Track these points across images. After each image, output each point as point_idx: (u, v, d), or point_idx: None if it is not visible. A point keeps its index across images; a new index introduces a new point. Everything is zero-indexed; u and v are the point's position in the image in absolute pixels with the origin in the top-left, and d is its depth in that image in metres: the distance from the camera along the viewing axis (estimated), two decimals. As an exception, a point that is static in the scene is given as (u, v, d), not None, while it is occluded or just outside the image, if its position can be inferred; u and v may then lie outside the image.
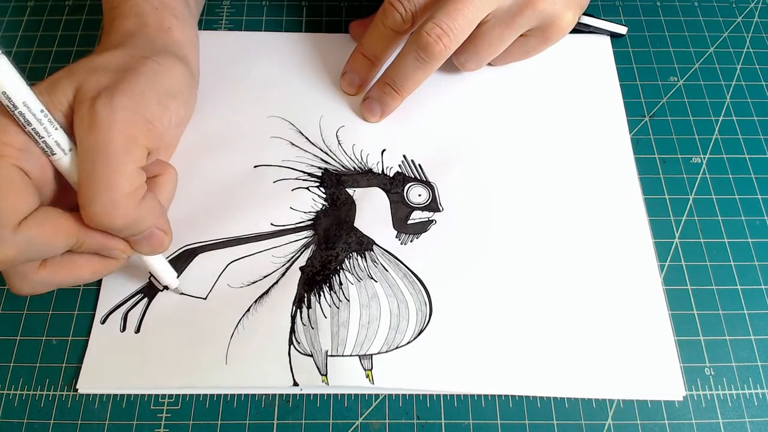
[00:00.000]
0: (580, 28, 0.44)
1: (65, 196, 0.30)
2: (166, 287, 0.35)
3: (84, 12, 0.46)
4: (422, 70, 0.36)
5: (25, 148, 0.27)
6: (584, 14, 0.43)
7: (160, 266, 0.33)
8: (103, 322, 0.34)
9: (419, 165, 0.39)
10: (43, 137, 0.27)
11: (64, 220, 0.28)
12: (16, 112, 0.26)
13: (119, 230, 0.29)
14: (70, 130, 0.28)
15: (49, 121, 0.27)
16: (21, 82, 0.26)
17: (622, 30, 0.44)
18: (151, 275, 0.35)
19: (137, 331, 0.34)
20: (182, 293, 0.35)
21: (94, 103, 0.28)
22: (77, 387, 0.32)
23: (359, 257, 0.36)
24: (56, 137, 0.27)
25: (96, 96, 0.28)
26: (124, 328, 0.34)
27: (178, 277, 0.35)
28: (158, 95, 0.30)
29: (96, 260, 0.30)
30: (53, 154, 0.28)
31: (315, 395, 0.33)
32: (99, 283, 0.35)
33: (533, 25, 0.37)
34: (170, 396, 0.33)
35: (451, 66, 0.40)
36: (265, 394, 0.33)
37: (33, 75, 0.43)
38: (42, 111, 0.27)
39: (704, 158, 0.40)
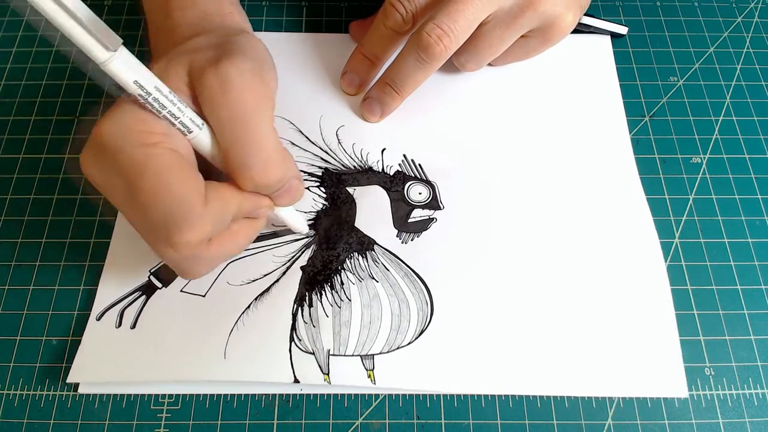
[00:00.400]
0: (580, 29, 0.44)
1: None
2: (164, 285, 0.35)
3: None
4: (422, 71, 0.36)
5: (167, 132, 0.27)
6: (584, 14, 0.43)
7: (293, 216, 0.34)
8: (99, 318, 0.34)
9: (419, 164, 0.39)
10: (178, 117, 0.27)
11: (227, 189, 0.28)
12: (149, 98, 0.25)
13: (273, 186, 0.29)
14: (196, 107, 0.28)
15: (179, 101, 0.27)
16: (146, 69, 0.25)
17: (623, 30, 0.44)
18: (150, 274, 0.35)
19: (133, 327, 0.34)
20: (182, 290, 0.35)
21: (219, 70, 0.27)
22: (69, 380, 0.32)
23: (360, 257, 0.36)
24: (189, 115, 0.27)
25: (217, 64, 0.28)
26: (119, 324, 0.34)
27: (174, 279, 0.35)
28: (260, 62, 0.30)
29: (247, 224, 0.31)
30: (190, 132, 0.27)
31: (315, 395, 0.33)
32: (97, 281, 0.35)
33: (534, 26, 0.37)
34: (170, 396, 0.33)
35: (451, 66, 0.40)
36: (265, 394, 0.33)
37: (33, 75, 0.43)
38: (170, 92, 0.26)
39: (704, 158, 0.40)
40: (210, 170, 0.29)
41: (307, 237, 0.37)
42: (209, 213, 0.27)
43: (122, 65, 0.24)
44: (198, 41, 0.31)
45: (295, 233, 0.36)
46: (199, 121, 0.28)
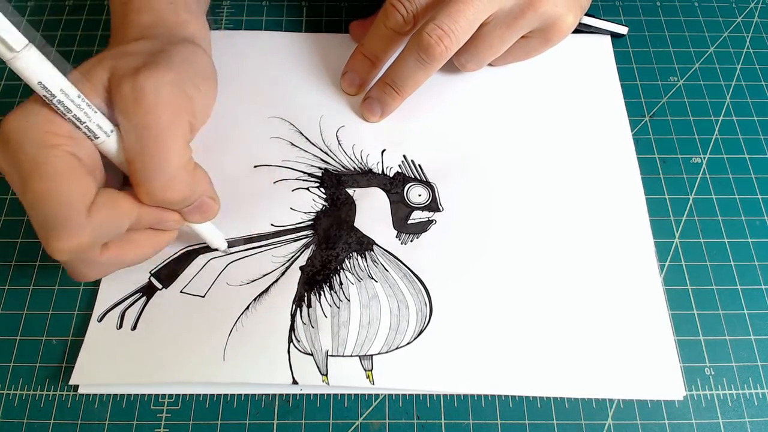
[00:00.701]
0: (580, 29, 0.44)
1: (110, 179, 0.30)
2: (164, 286, 0.35)
3: (84, 12, 0.46)
4: (423, 71, 0.36)
5: (72, 135, 0.27)
6: (585, 14, 0.43)
7: (209, 232, 0.34)
8: (100, 319, 0.34)
9: (419, 165, 0.39)
10: (84, 122, 0.27)
11: (123, 199, 0.28)
12: (54, 100, 0.26)
13: (176, 203, 0.29)
14: (108, 113, 0.28)
15: (87, 105, 0.27)
16: (55, 70, 0.26)
17: (623, 30, 0.44)
18: (151, 275, 0.35)
19: (134, 328, 0.34)
20: (182, 291, 0.35)
21: (136, 80, 0.27)
22: (71, 382, 0.32)
23: (359, 257, 0.36)
24: (97, 120, 0.27)
25: (136, 73, 0.28)
26: (120, 326, 0.34)
27: (178, 276, 0.35)
28: (191, 76, 0.30)
29: (152, 234, 0.31)
30: (96, 138, 0.27)
31: (315, 395, 0.33)
32: (98, 282, 0.35)
33: (534, 27, 0.37)
34: (170, 396, 0.33)
35: (451, 66, 0.40)
36: (265, 394, 0.33)
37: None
38: (79, 96, 0.26)
39: (704, 158, 0.40)
40: None
41: (306, 237, 0.37)
42: (90, 222, 0.26)
43: (27, 65, 0.24)
44: (134, 46, 0.31)
45: (295, 233, 0.36)
46: (108, 127, 0.28)
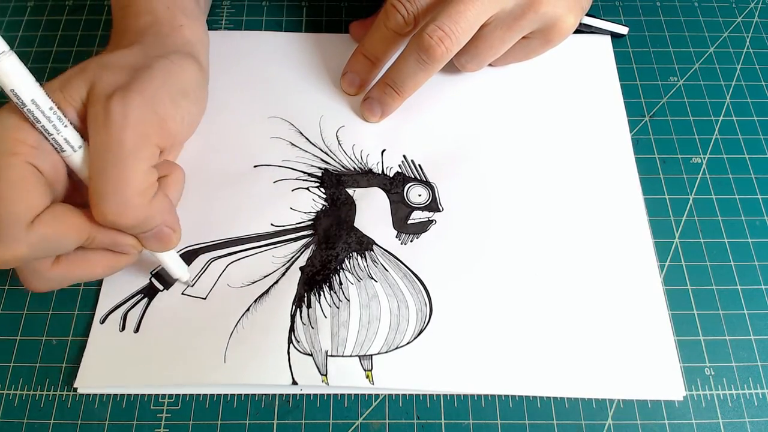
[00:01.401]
0: (580, 29, 0.44)
1: (78, 194, 0.30)
2: (165, 287, 0.35)
3: (84, 12, 0.46)
4: (423, 72, 0.36)
5: (38, 145, 0.27)
6: (585, 15, 0.43)
7: (171, 261, 0.33)
8: (103, 321, 0.34)
9: (419, 165, 0.39)
10: (52, 134, 0.27)
11: (76, 217, 0.28)
12: (24, 109, 0.26)
13: (129, 228, 0.29)
14: (83, 127, 0.28)
15: (58, 119, 0.27)
16: (30, 79, 0.26)
17: (623, 30, 0.44)
18: (152, 276, 0.35)
19: (136, 330, 0.34)
20: (183, 293, 0.35)
21: (108, 102, 0.28)
22: (75, 386, 0.32)
23: (359, 257, 0.36)
24: (66, 134, 0.27)
25: (110, 94, 0.28)
26: (123, 328, 0.34)
27: (176, 280, 0.35)
28: (171, 93, 0.30)
29: (108, 256, 0.31)
30: (63, 151, 0.28)
31: (315, 395, 0.33)
32: (99, 283, 0.35)
33: (535, 28, 0.37)
34: (170, 396, 0.33)
35: (451, 66, 0.40)
36: (265, 394, 0.33)
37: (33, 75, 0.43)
38: (51, 108, 0.27)
39: (704, 158, 0.40)
40: None
41: (306, 237, 0.37)
42: (29, 236, 0.26)
43: (0, 72, 0.25)
44: (118, 56, 0.31)
45: (295, 233, 0.36)
46: (77, 143, 0.28)
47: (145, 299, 0.35)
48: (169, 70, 0.31)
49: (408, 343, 0.33)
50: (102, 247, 0.30)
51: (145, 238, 0.30)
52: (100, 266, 0.31)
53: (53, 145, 0.27)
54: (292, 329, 0.33)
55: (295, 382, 0.32)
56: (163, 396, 0.33)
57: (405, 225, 0.37)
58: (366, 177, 0.39)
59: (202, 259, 0.36)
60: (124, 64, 0.31)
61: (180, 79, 0.32)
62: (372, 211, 0.37)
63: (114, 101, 0.28)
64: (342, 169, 0.39)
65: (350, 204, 0.38)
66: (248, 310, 0.34)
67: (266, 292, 0.35)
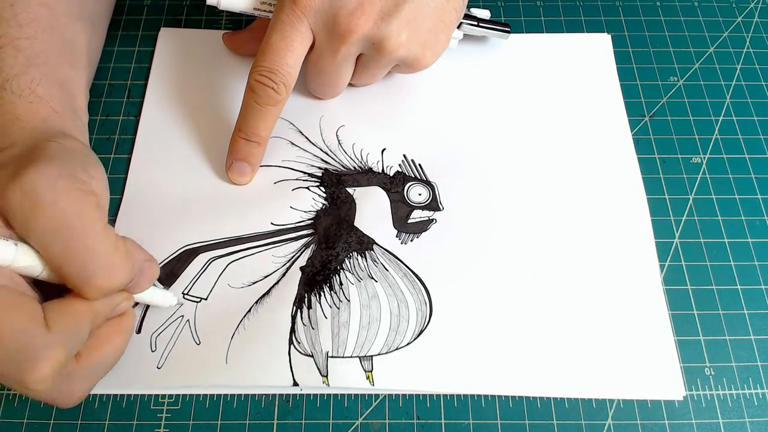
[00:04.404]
0: (472, 23, 0.41)
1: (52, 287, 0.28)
2: (165, 287, 0.35)
3: None
4: (271, 113, 0.35)
5: None
6: (475, 17, 0.41)
7: (155, 295, 0.32)
8: None
9: (419, 164, 0.39)
10: None
11: (73, 304, 0.26)
12: None
13: (123, 285, 0.28)
14: (9, 232, 0.26)
15: None
16: None
17: (505, 34, 0.42)
18: None
19: (138, 331, 0.34)
20: (183, 293, 0.35)
21: (21, 185, 0.25)
22: None
23: (359, 257, 0.36)
24: None
25: (18, 177, 0.25)
26: (124, 328, 0.34)
27: (179, 276, 0.35)
28: (77, 159, 0.28)
29: (115, 323, 0.29)
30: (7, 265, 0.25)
31: (315, 395, 0.33)
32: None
33: (396, 63, 0.37)
34: (170, 396, 0.33)
35: (451, 66, 0.40)
36: (265, 394, 0.33)
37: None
38: None
39: (704, 158, 0.40)
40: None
41: (306, 236, 0.37)
42: (56, 338, 0.25)
43: None
44: (3, 155, 0.29)
45: (295, 233, 0.36)
46: (8, 255, 0.25)
47: (145, 299, 0.35)
48: (59, 148, 0.29)
49: (408, 343, 0.33)
50: (105, 318, 0.29)
51: (134, 285, 0.29)
52: (118, 335, 0.29)
53: None
54: (293, 330, 0.33)
55: (295, 383, 0.32)
56: (163, 396, 0.33)
57: (405, 224, 0.37)
58: (366, 176, 0.39)
59: (202, 258, 0.36)
60: (9, 158, 0.28)
61: (74, 149, 0.30)
62: (372, 211, 0.37)
63: (29, 180, 0.25)
64: (342, 168, 0.39)
65: (350, 203, 0.38)
66: (249, 311, 0.34)
67: (267, 293, 0.35)
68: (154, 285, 0.32)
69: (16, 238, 0.26)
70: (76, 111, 0.35)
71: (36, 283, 0.27)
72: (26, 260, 0.25)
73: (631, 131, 0.41)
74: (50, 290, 0.27)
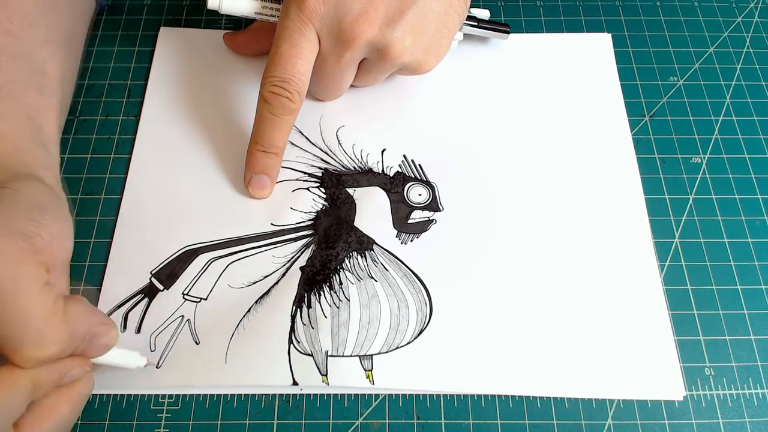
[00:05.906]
0: (472, 33, 0.42)
1: None
2: (165, 287, 0.35)
3: None
4: (286, 122, 0.35)
5: None
6: (469, 24, 0.41)
7: (119, 357, 0.30)
8: None
9: (419, 165, 0.39)
10: None
11: (9, 373, 0.25)
12: None
13: (61, 353, 0.26)
14: None
15: None
16: None
17: (506, 30, 0.43)
18: (152, 276, 0.35)
19: (138, 331, 0.34)
20: (183, 294, 0.35)
21: None
22: None
23: (359, 257, 0.36)
24: None
25: None
26: (124, 329, 0.34)
27: (179, 276, 0.35)
28: (25, 212, 0.26)
29: (66, 391, 0.27)
30: None
31: (315, 395, 0.33)
32: (100, 283, 0.35)
33: (399, 68, 0.37)
34: (170, 396, 0.33)
35: (451, 66, 0.40)
36: (265, 394, 0.33)
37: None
38: None
39: (704, 158, 0.40)
40: None
41: (306, 237, 0.37)
42: None
43: None
44: None
45: (295, 233, 0.36)
46: None
47: (146, 299, 0.35)
48: (12, 195, 0.27)
49: (408, 343, 0.33)
50: (51, 385, 0.26)
51: (85, 351, 0.27)
52: (64, 405, 0.27)
53: None
54: (292, 329, 0.33)
55: (295, 383, 0.32)
56: (163, 396, 0.33)
57: (405, 224, 0.37)
58: (366, 176, 0.39)
59: (203, 259, 0.36)
60: None
61: (28, 198, 0.27)
62: (372, 211, 0.37)
63: None
64: (342, 168, 0.39)
65: (350, 203, 0.38)
66: (249, 310, 0.34)
67: (267, 292, 0.35)
68: (118, 347, 0.29)
69: None
70: (44, 142, 0.32)
71: None
72: None
73: (631, 131, 0.41)
74: None
